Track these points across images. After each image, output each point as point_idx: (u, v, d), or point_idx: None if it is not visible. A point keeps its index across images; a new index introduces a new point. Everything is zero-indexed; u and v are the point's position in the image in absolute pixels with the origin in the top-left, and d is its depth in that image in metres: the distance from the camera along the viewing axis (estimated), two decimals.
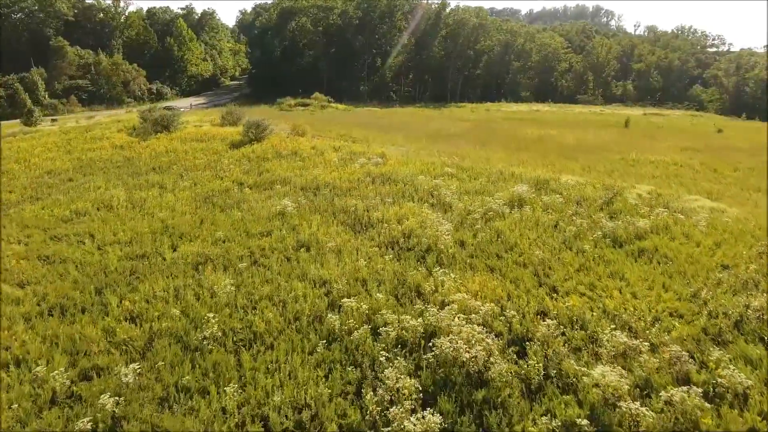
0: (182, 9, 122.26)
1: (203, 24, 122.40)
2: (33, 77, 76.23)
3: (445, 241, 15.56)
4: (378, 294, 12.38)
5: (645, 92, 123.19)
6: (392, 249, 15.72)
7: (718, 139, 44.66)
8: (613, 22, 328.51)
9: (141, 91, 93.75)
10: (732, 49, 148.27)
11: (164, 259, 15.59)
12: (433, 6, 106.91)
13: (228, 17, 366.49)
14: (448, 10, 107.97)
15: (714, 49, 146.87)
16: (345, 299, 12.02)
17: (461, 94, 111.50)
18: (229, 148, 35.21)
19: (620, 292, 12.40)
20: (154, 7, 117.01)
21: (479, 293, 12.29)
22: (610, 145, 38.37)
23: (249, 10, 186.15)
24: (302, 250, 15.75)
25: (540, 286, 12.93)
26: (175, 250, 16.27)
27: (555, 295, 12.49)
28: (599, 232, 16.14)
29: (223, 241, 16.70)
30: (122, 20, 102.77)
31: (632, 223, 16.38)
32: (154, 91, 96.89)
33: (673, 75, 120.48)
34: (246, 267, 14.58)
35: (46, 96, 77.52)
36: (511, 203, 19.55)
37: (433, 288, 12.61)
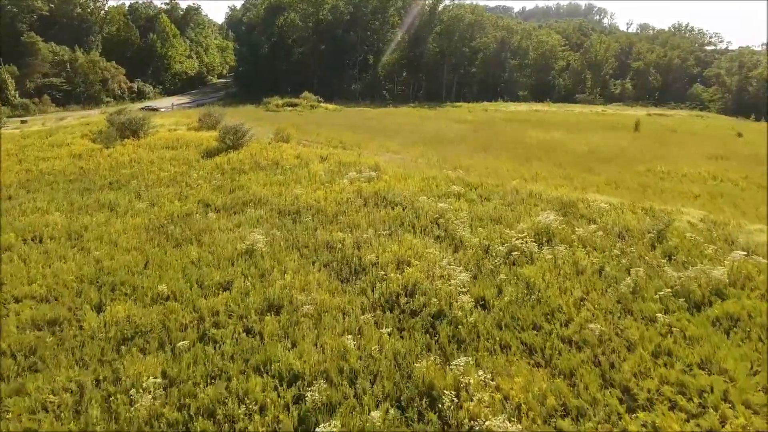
0: (166, 4, 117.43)
1: (188, 20, 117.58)
2: (2, 75, 71.45)
3: (462, 301, 11.61)
4: (373, 412, 8.30)
5: (643, 91, 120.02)
6: (391, 311, 11.77)
7: (740, 144, 41.04)
8: (605, 20, 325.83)
9: (121, 89, 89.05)
10: (730, 48, 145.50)
11: (81, 327, 11.53)
12: (427, 1, 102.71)
13: (218, 14, 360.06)
14: (441, 6, 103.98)
15: (711, 48, 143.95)
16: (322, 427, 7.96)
17: (456, 93, 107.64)
18: (202, 157, 31.08)
19: (725, 400, 8.49)
20: (136, 2, 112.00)
21: (523, 404, 8.34)
22: (628, 152, 34.58)
23: (239, 6, 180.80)
24: (270, 314, 11.74)
25: (607, 387, 8.99)
26: (100, 312, 12.20)
27: (633, 403, 8.56)
28: (663, 286, 12.23)
29: (167, 298, 12.66)
30: (102, 15, 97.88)
31: (705, 272, 12.50)
32: (136, 90, 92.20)
33: (672, 73, 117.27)
34: (188, 346, 10.54)
35: (17, 95, 72.76)
36: (538, 237, 15.62)
37: (454, 394, 8.59)
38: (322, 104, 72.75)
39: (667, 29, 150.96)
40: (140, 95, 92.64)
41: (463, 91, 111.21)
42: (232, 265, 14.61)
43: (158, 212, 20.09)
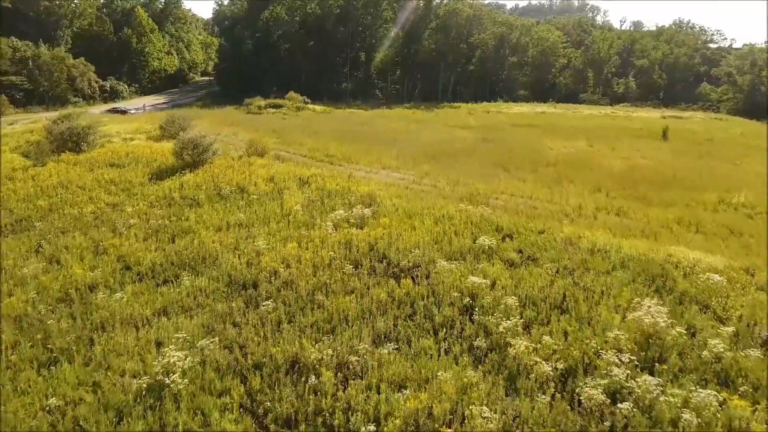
0: None
1: (167, 14, 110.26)
2: None
3: None
4: None
5: (648, 90, 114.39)
6: None
7: None
8: (599, 18, 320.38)
9: (91, 89, 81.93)
10: (734, 46, 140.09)
11: None
12: None
13: (205, 8, 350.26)
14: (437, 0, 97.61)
15: (715, 45, 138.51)
16: None
17: (453, 92, 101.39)
18: (150, 180, 24.57)
19: None
20: None
21: None
22: (677, 171, 28.41)
23: (226, 1, 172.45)
24: None
25: None
26: None
27: None
28: None
29: None
30: (71, 8, 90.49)
31: None
32: (108, 89, 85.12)
33: (678, 72, 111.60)
34: None
35: None
36: (646, 356, 9.37)
37: None
38: (309, 105, 66.21)
39: (667, 26, 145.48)
40: (113, 95, 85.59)
41: (459, 91, 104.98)
42: (120, 423, 8.19)
43: (50, 281, 13.61)
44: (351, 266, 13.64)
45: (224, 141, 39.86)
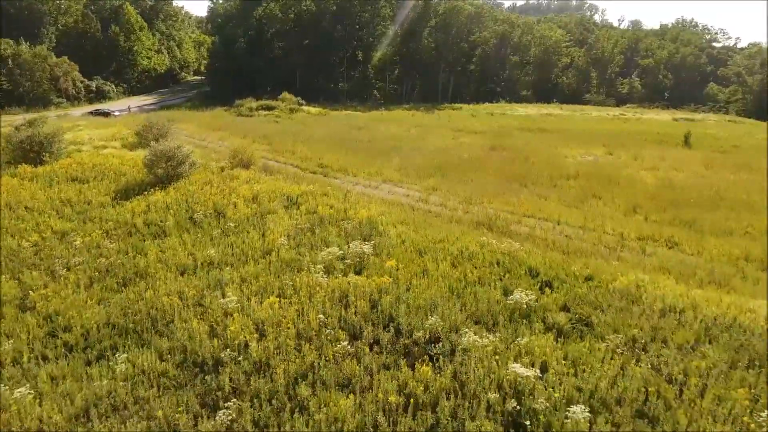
0: None
1: (157, 11, 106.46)
2: None
3: None
4: None
5: (653, 90, 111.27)
6: None
7: None
8: (597, 17, 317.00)
9: (76, 89, 78.27)
10: (739, 45, 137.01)
11: None
12: None
13: (200, 6, 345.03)
14: None
15: (719, 45, 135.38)
16: None
17: (453, 93, 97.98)
18: (113, 200, 21.11)
19: None
20: None
21: None
22: (718, 187, 25.02)
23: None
24: None
25: None
26: None
27: None
28: None
29: None
30: (56, 5, 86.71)
31: None
32: (94, 89, 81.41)
33: (684, 72, 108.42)
34: None
35: None
36: None
37: None
38: (303, 107, 62.73)
39: (671, 25, 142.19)
40: (99, 95, 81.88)
41: (460, 91, 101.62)
42: None
43: None
44: (347, 336, 10.23)
45: (208, 148, 36.42)
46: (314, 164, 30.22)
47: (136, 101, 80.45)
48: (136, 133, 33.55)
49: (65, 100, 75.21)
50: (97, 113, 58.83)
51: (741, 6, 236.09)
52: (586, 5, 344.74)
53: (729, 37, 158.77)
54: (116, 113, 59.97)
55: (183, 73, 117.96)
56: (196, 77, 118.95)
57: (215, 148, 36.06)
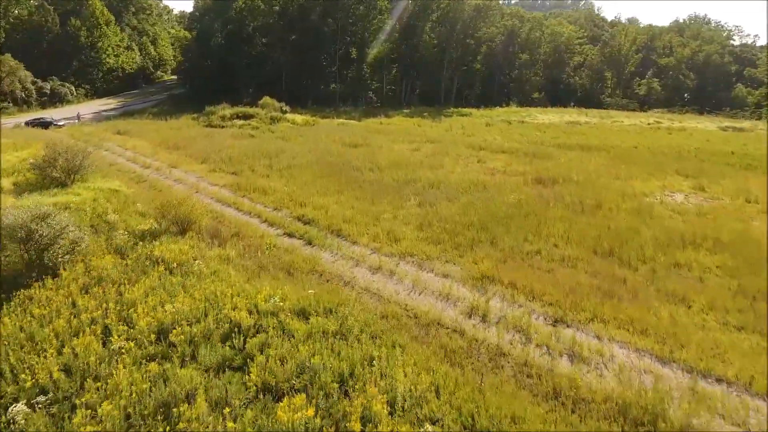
0: None
1: (127, 3, 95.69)
2: None
3: None
4: None
5: (673, 92, 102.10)
6: None
7: None
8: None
9: (26, 91, 67.69)
10: (759, 43, 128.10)
11: None
12: None
13: (187, 2, 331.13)
14: None
15: (737, 42, 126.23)
16: None
17: (458, 94, 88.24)
18: None
19: None
20: None
21: None
22: None
23: None
24: None
25: None
26: None
27: None
28: None
29: None
30: None
31: None
32: (47, 92, 70.80)
33: (709, 72, 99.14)
34: None
35: None
36: None
37: None
38: (287, 115, 52.61)
39: (682, 22, 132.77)
40: (55, 98, 71.35)
41: (464, 93, 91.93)
42: None
43: None
44: None
45: (148, 181, 26.33)
46: (294, 213, 20.42)
47: (97, 105, 70.07)
48: (34, 166, 23.36)
49: (11, 104, 64.62)
50: (35, 123, 48.39)
51: (741, 6, 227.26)
52: (582, 3, 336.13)
53: (747, 35, 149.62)
54: (60, 123, 49.62)
55: (159, 72, 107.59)
56: (173, 77, 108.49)
57: (157, 183, 26.04)
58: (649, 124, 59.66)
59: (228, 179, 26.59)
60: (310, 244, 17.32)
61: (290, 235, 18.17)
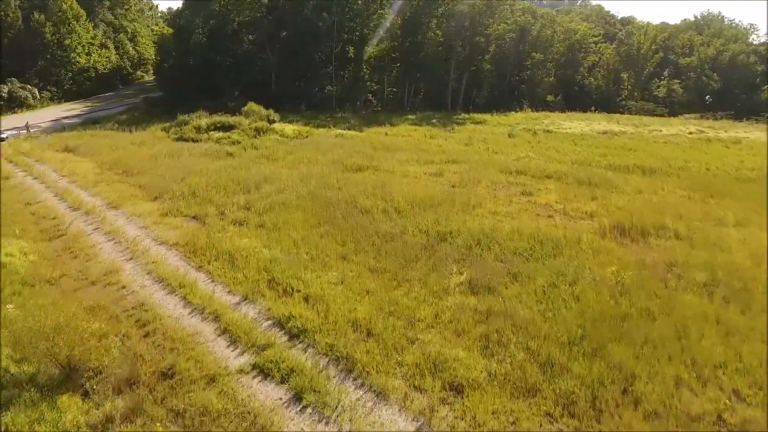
0: None
1: None
2: None
3: None
4: None
5: (695, 94, 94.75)
6: None
7: None
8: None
9: None
10: None
11: None
12: None
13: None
14: None
15: (757, 41, 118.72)
16: None
17: (465, 97, 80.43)
18: None
19: None
20: None
21: None
22: None
23: None
24: None
25: None
26: None
27: None
28: None
29: None
30: None
31: None
32: (4, 95, 62.36)
33: (736, 73, 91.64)
34: None
35: None
36: None
37: None
38: (275, 125, 44.52)
39: (692, 19, 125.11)
40: (12, 103, 62.92)
41: (472, 96, 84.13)
42: None
43: None
44: None
45: (68, 235, 18.27)
46: (273, 310, 12.55)
47: (60, 111, 61.77)
48: None
49: None
50: None
51: (741, 6, 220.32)
52: (579, 2, 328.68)
53: (765, 33, 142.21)
54: (4, 136, 41.34)
55: (139, 73, 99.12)
56: (155, 77, 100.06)
57: (78, 240, 17.96)
58: (690, 133, 52.01)
59: (184, 231, 18.59)
60: (299, 399, 9.42)
61: (264, 373, 10.23)
